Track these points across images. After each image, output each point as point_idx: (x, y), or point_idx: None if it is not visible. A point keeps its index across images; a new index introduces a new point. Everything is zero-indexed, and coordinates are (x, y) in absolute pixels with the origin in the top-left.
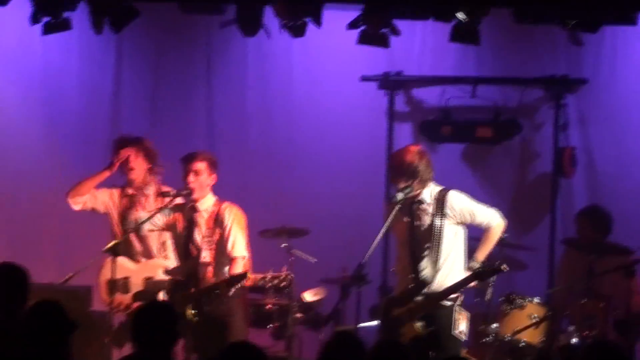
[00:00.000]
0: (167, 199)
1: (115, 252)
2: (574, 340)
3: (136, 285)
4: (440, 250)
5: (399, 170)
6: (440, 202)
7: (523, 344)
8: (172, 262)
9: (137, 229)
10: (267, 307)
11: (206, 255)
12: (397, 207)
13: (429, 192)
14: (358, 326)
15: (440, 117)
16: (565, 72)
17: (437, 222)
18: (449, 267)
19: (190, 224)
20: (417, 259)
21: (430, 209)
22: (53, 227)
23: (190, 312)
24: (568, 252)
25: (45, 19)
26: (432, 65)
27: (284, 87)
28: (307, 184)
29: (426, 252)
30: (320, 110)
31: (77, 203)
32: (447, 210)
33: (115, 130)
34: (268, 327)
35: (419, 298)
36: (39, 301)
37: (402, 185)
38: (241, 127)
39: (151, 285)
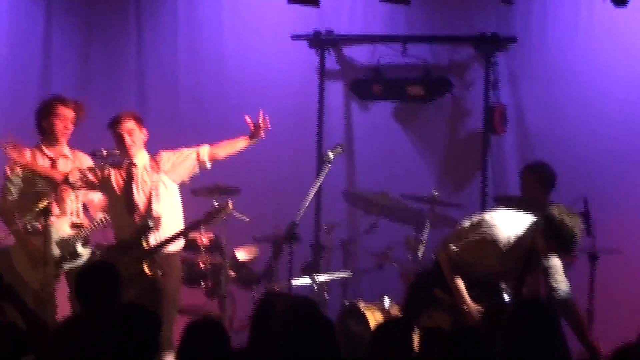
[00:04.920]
0: (100, 159)
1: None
2: (506, 297)
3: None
4: None
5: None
6: None
7: None
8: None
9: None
10: (200, 265)
11: (157, 208)
12: (328, 166)
13: None
14: (291, 283)
15: (371, 76)
16: (495, 30)
17: None
18: None
19: (130, 180)
20: None
21: None
22: None
23: (149, 267)
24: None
25: None
26: (362, 23)
27: (214, 46)
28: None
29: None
30: (251, 69)
31: None
32: None
33: (46, 88)
34: (201, 285)
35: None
36: None
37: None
38: (172, 85)
39: (65, 246)
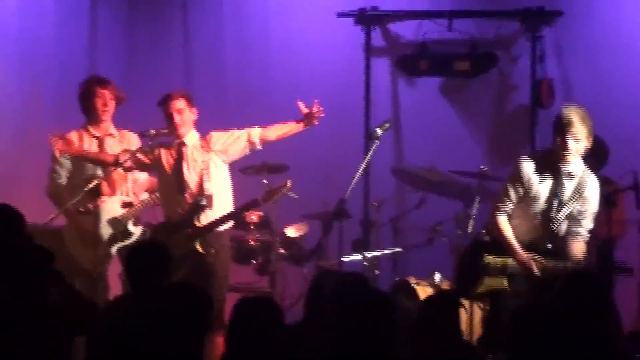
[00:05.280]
0: (148, 138)
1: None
2: None
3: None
4: None
5: None
6: None
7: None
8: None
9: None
10: (250, 243)
11: (209, 187)
12: (376, 142)
13: None
14: (341, 260)
15: (417, 52)
16: (541, 4)
17: None
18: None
19: (180, 160)
20: None
21: None
22: (33, 168)
23: (200, 246)
24: None
25: None
26: None
27: (260, 25)
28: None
29: None
30: (297, 47)
31: None
32: None
33: (92, 69)
34: (251, 263)
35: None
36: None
37: None
38: (218, 64)
39: (116, 225)
